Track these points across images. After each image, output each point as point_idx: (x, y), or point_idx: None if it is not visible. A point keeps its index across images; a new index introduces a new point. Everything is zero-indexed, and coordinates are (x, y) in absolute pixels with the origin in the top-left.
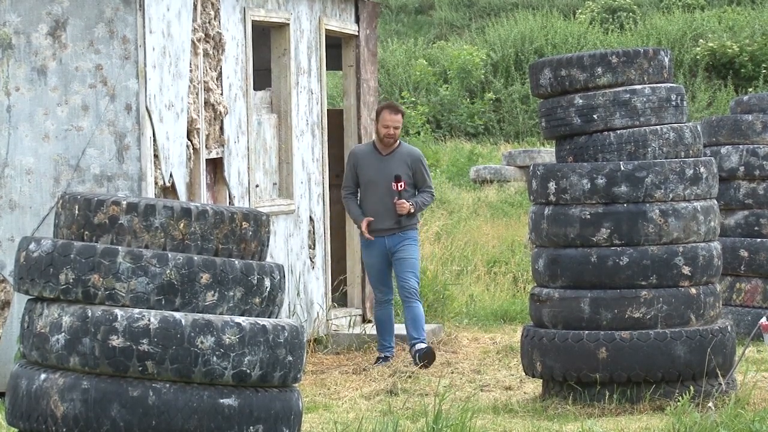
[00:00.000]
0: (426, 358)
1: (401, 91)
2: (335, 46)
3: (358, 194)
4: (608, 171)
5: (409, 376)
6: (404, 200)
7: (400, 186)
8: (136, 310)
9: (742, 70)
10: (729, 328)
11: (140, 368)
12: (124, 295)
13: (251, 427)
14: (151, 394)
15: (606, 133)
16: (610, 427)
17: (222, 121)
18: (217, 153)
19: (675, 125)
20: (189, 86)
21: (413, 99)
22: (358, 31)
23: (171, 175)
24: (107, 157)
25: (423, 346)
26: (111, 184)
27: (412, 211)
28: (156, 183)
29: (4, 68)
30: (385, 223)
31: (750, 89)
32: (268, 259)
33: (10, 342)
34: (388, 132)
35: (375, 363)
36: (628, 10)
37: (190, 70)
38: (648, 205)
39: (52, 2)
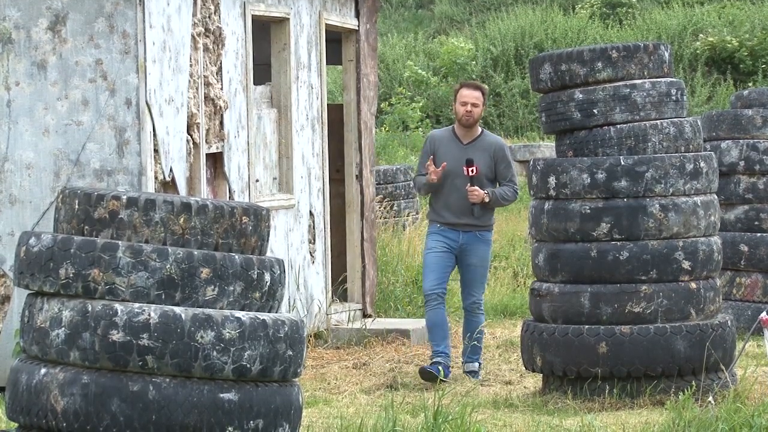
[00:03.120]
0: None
1: (399, 85)
2: (335, 41)
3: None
4: (608, 166)
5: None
6: (477, 188)
7: (472, 171)
8: (136, 305)
9: (742, 65)
10: (729, 322)
11: (140, 363)
12: (124, 289)
13: (251, 422)
14: (151, 389)
15: (606, 127)
16: (609, 422)
17: (222, 116)
18: (217, 148)
19: (675, 120)
20: (189, 81)
21: (410, 93)
22: (358, 26)
23: (171, 170)
24: (107, 151)
25: (475, 368)
26: (111, 179)
27: (487, 200)
28: (156, 178)
29: (4, 63)
30: (462, 218)
31: (749, 84)
32: (268, 253)
33: (10, 337)
34: (466, 109)
35: (429, 365)
36: (627, 4)
37: (190, 65)
38: (648, 199)
39: None
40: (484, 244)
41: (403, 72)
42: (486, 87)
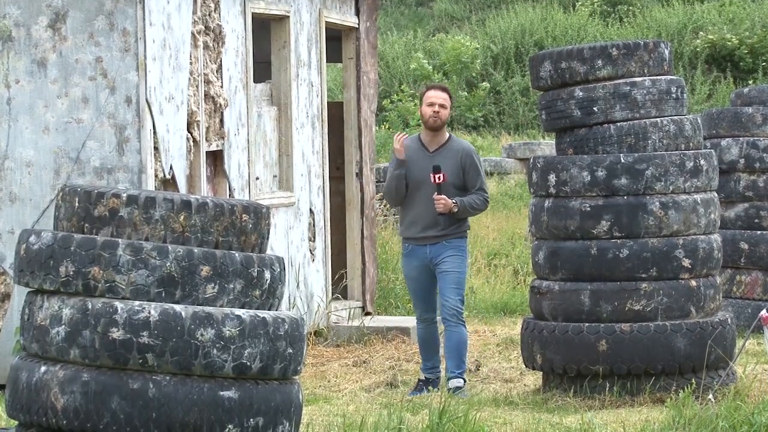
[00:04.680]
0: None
1: (401, 83)
2: (335, 39)
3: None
4: (608, 163)
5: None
6: (444, 197)
7: (439, 178)
8: (137, 303)
9: (742, 63)
10: (729, 320)
11: (140, 361)
12: (124, 287)
13: (251, 420)
14: (151, 387)
15: (606, 125)
16: (610, 420)
17: (222, 114)
18: (217, 145)
19: (675, 117)
20: (189, 79)
21: (412, 91)
22: (358, 24)
23: (171, 168)
24: (107, 149)
25: (460, 384)
26: (111, 177)
27: (455, 210)
28: (156, 175)
29: (4, 61)
30: (429, 230)
31: (749, 82)
32: (268, 251)
33: (10, 334)
34: (434, 110)
35: (414, 389)
36: (628, 2)
37: (190, 63)
38: (648, 197)
39: None
40: (454, 249)
41: (409, 64)
42: (450, 90)
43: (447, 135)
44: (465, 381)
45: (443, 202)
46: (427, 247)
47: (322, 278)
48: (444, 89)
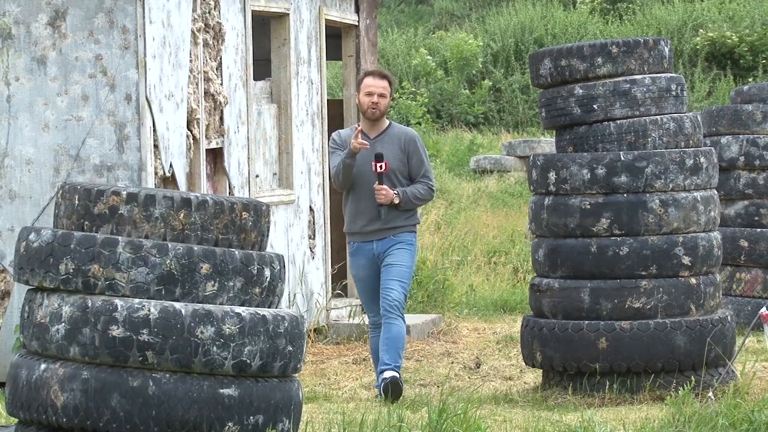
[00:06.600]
0: (390, 390)
1: (401, 81)
2: (335, 36)
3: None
4: (608, 161)
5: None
6: (386, 187)
7: (381, 167)
8: (136, 300)
9: (742, 61)
10: (729, 318)
11: (140, 358)
12: (124, 285)
13: (251, 417)
14: (151, 384)
15: (606, 123)
16: (610, 417)
17: (222, 111)
18: (217, 143)
19: (675, 115)
20: (189, 76)
21: (413, 89)
22: (358, 21)
23: (171, 165)
24: (107, 147)
25: (390, 375)
26: (111, 174)
27: (397, 201)
28: (156, 173)
29: (4, 58)
30: (376, 223)
31: (749, 79)
32: (268, 249)
33: (10, 332)
34: (372, 100)
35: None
36: (628, 0)
37: (190, 60)
38: (648, 195)
39: None
40: (403, 244)
41: (410, 61)
42: (393, 76)
43: (387, 121)
44: (399, 375)
45: (384, 192)
46: (372, 243)
47: (322, 276)
48: (384, 76)
